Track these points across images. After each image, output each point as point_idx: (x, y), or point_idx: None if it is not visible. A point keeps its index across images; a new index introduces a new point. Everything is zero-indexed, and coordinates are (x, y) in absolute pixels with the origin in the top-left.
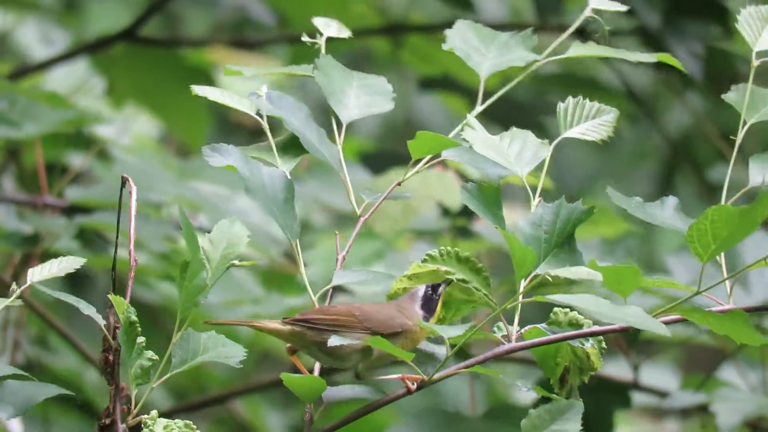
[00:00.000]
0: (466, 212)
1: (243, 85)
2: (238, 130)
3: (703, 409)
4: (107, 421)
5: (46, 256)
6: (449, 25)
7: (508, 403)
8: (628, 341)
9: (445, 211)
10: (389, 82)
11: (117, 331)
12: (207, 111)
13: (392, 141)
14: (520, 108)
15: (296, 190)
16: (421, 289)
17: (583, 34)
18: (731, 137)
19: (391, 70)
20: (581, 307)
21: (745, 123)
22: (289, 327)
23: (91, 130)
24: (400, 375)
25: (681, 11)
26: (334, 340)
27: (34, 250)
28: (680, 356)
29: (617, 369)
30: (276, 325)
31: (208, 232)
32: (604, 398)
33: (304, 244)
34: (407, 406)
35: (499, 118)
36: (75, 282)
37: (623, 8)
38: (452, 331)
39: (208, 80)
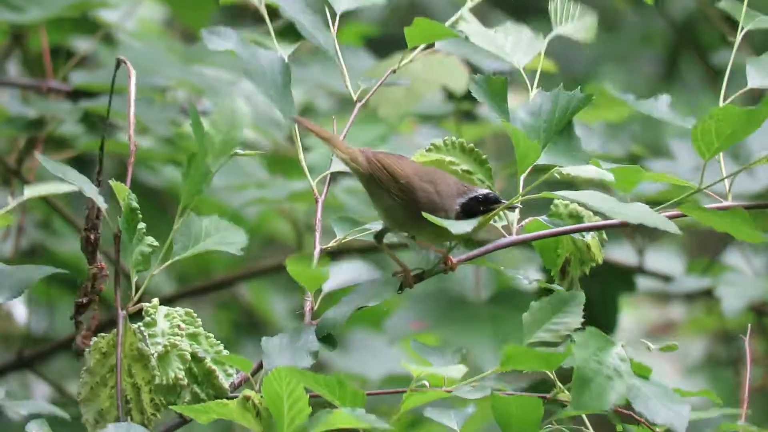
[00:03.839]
0: (470, 96)
1: None
2: (243, 13)
3: (707, 294)
4: (84, 300)
5: (50, 140)
6: None
7: (512, 288)
8: (633, 226)
9: (450, 95)
10: None
11: (100, 211)
12: None
13: (397, 25)
14: None
15: (299, 75)
16: (478, 191)
17: None
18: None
19: None
20: (587, 203)
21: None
22: (368, 172)
23: (96, 15)
24: (443, 249)
25: None
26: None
27: (39, 134)
28: (685, 241)
29: (622, 254)
30: (360, 161)
31: None
32: (610, 283)
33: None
34: (411, 291)
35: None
36: (79, 167)
37: None
38: (462, 227)
39: None
